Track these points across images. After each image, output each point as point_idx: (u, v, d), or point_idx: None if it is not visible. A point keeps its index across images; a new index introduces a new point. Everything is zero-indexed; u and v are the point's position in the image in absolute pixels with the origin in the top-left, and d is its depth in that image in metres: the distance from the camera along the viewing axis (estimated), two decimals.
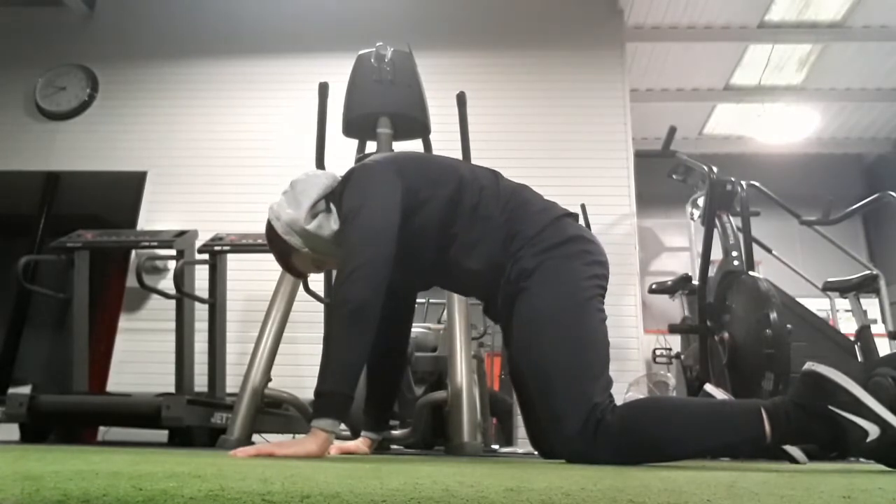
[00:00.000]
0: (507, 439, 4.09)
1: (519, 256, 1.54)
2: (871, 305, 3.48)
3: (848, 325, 4.03)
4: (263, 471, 0.78)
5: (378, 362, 1.81)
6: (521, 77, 5.15)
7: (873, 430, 1.25)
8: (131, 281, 4.46)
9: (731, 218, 3.33)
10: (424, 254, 1.61)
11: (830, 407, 1.27)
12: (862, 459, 2.70)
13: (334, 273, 3.79)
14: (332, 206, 1.59)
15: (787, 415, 1.30)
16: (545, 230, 1.55)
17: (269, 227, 1.61)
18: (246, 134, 5.03)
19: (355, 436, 1.92)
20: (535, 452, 1.58)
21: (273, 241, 1.62)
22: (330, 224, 1.56)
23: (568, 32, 5.25)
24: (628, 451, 1.36)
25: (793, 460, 1.64)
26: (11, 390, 3.15)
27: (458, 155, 2.69)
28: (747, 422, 1.32)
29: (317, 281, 3.64)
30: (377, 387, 1.84)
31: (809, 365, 1.34)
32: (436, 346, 3.31)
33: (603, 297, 1.57)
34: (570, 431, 1.38)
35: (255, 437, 2.50)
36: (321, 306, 3.84)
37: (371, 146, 2.59)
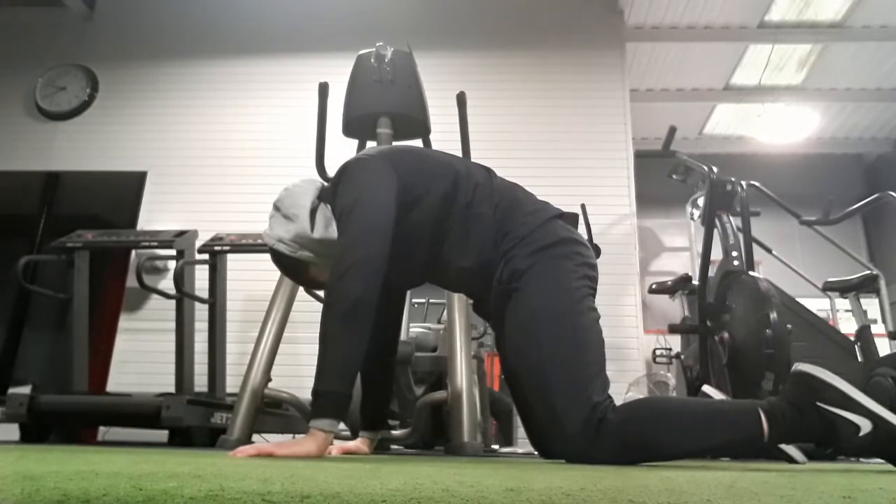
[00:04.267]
0: (507, 439, 4.09)
1: (510, 256, 1.53)
2: (871, 305, 3.48)
3: (848, 325, 4.03)
4: (263, 471, 0.78)
5: (370, 361, 1.80)
6: (521, 77, 5.15)
7: (865, 425, 1.27)
8: (131, 281, 4.46)
9: (731, 218, 3.33)
10: (417, 250, 1.59)
11: (818, 404, 1.30)
12: (861, 459, 2.70)
13: None
14: (328, 206, 1.57)
15: (782, 414, 1.32)
16: (536, 231, 1.54)
17: (276, 253, 1.53)
18: (246, 134, 5.03)
19: (355, 436, 1.92)
20: (536, 452, 1.57)
21: (286, 265, 1.56)
22: (333, 224, 1.54)
23: (568, 32, 5.25)
24: (629, 450, 1.36)
25: (791, 460, 1.65)
26: (11, 390, 3.15)
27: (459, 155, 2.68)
28: (746, 421, 1.34)
29: None
30: (370, 386, 1.82)
31: (797, 365, 1.36)
32: (436, 346, 3.31)
33: (594, 297, 1.57)
34: (570, 431, 1.37)
35: (255, 437, 2.50)
36: (321, 306, 3.84)
37: (371, 146, 2.59)
